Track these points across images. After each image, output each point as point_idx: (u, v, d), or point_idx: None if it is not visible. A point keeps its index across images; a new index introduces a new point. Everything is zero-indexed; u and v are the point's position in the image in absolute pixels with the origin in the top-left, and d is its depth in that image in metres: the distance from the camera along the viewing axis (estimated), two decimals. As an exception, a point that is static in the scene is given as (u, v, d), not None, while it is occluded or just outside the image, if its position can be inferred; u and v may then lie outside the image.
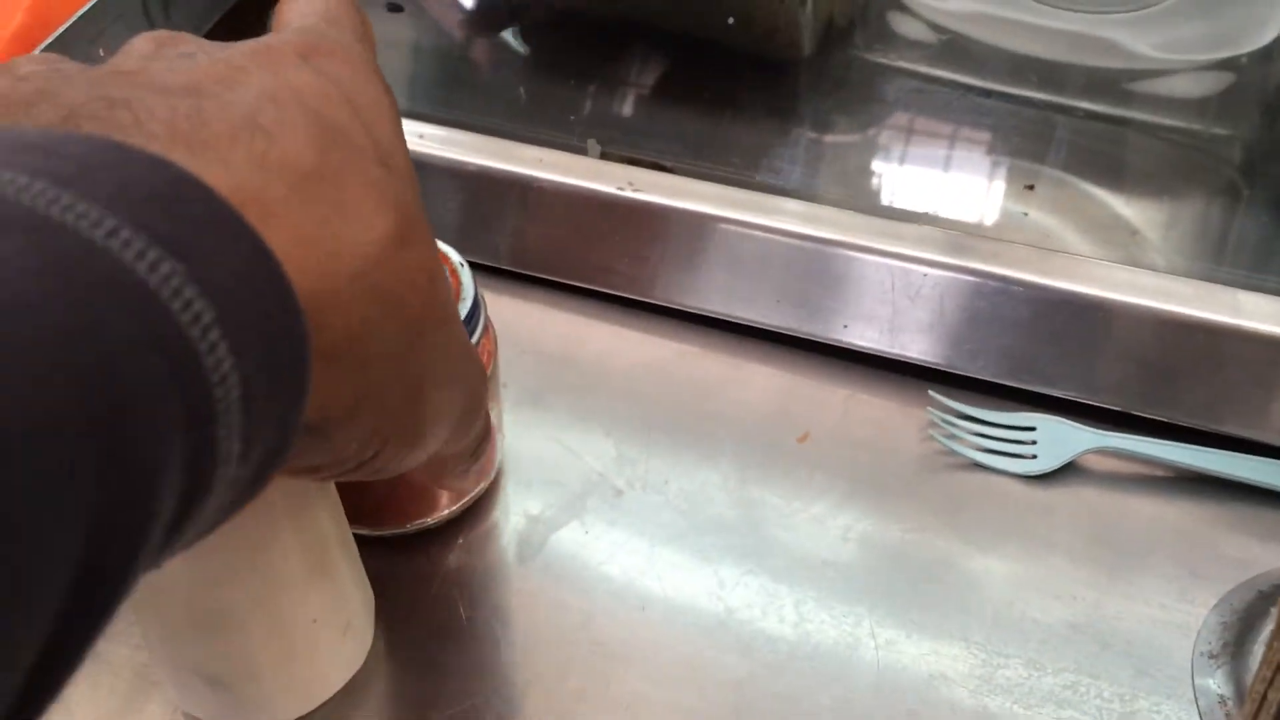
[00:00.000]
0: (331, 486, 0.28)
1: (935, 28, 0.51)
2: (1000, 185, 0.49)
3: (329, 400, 0.18)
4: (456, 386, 0.22)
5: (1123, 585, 0.35)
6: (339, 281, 0.18)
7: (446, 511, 0.34)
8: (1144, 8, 0.49)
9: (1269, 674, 0.22)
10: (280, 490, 0.25)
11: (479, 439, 0.26)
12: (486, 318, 0.32)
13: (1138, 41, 0.48)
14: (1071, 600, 0.34)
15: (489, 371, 0.33)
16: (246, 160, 0.17)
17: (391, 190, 0.19)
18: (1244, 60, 0.49)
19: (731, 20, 0.46)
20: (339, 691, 0.31)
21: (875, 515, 0.36)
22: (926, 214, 0.47)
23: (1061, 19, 0.49)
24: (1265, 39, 0.48)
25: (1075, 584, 0.35)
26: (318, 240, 0.17)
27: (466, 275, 0.32)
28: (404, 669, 0.32)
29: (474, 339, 0.31)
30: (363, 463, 0.20)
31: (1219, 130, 0.50)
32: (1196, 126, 0.50)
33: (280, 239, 0.16)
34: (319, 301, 0.17)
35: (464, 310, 0.31)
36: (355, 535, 0.30)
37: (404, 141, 0.21)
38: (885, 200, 0.48)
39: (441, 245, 0.32)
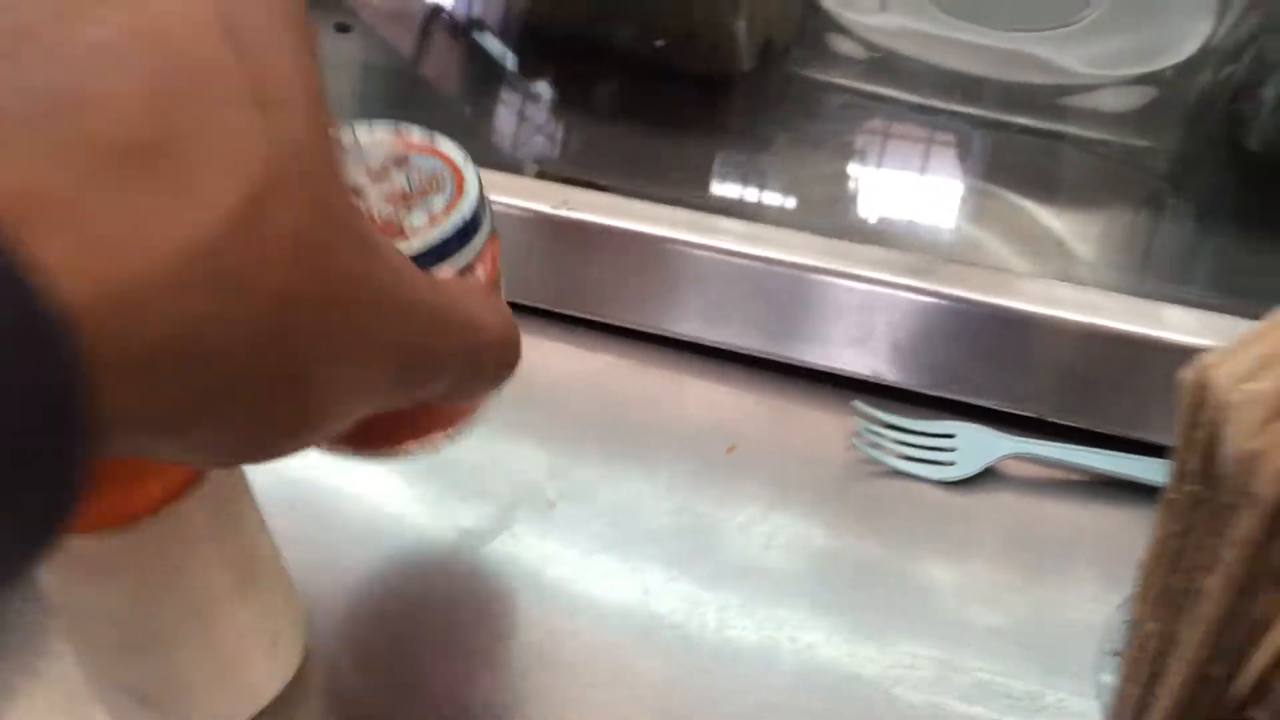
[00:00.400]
0: (252, 501, 0.28)
1: (869, 45, 0.53)
2: (931, 199, 0.50)
3: (159, 406, 0.16)
4: (377, 356, 0.19)
5: (1038, 587, 0.36)
6: (155, 276, 0.15)
7: (444, 435, 0.30)
8: (1064, 25, 0.50)
9: (1127, 669, 0.23)
10: (199, 508, 0.26)
11: (495, 366, 0.23)
12: (491, 226, 0.28)
13: (1064, 57, 0.50)
14: (987, 602, 0.35)
15: (494, 280, 0.28)
16: (41, 147, 0.15)
17: (261, 140, 0.16)
18: (1167, 74, 0.51)
19: (660, 42, 0.47)
20: (271, 704, 0.31)
21: (799, 523, 0.37)
22: (858, 228, 0.48)
23: (990, 36, 0.51)
24: (1186, 53, 0.49)
25: (992, 586, 0.36)
26: (126, 233, 0.15)
27: (471, 174, 0.27)
28: (338, 680, 0.33)
29: (468, 255, 0.26)
30: (239, 453, 0.18)
31: (1144, 143, 0.52)
32: (1122, 140, 0.52)
33: (66, 241, 0.14)
34: (125, 305, 0.15)
35: (459, 219, 0.26)
36: (345, 457, 0.28)
37: (304, 58, 0.17)
38: (819, 215, 0.49)
39: (443, 141, 0.29)
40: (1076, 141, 0.52)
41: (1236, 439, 0.18)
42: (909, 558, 0.36)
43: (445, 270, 0.26)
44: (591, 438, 0.39)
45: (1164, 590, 0.21)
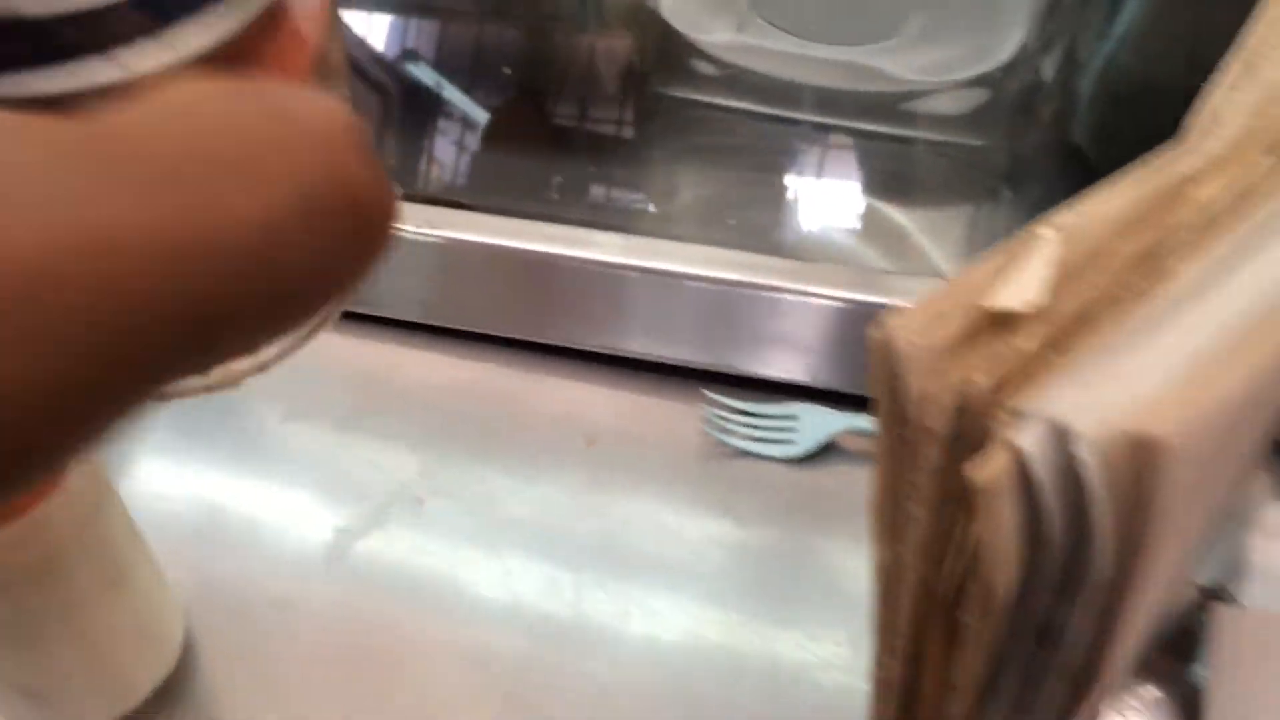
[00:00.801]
0: (117, 503, 0.31)
1: (723, 64, 0.56)
2: (782, 200, 0.54)
3: None
4: None
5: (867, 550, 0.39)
6: None
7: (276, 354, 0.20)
8: (888, 38, 0.54)
9: (876, 598, 0.26)
10: (62, 513, 0.28)
11: (328, 257, 0.11)
12: None
13: (895, 67, 0.54)
14: (823, 566, 0.39)
15: (311, 61, 0.16)
16: None
17: None
18: (993, 78, 0.55)
19: (507, 70, 0.50)
20: (154, 695, 0.34)
21: (653, 504, 0.40)
22: (724, 231, 0.52)
23: (828, 51, 0.55)
24: (1004, 57, 0.53)
25: (827, 551, 0.39)
26: None
27: None
28: (218, 673, 0.36)
29: (225, 14, 0.14)
30: None
31: (980, 143, 0.56)
32: (960, 140, 0.56)
33: None
34: None
35: None
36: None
37: None
38: (678, 221, 0.53)
39: None
40: (919, 144, 0.56)
41: (912, 385, 0.21)
42: (753, 529, 0.40)
43: (173, 45, 0.13)
44: (460, 439, 0.42)
45: (890, 523, 0.24)
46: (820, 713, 0.35)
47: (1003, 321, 0.21)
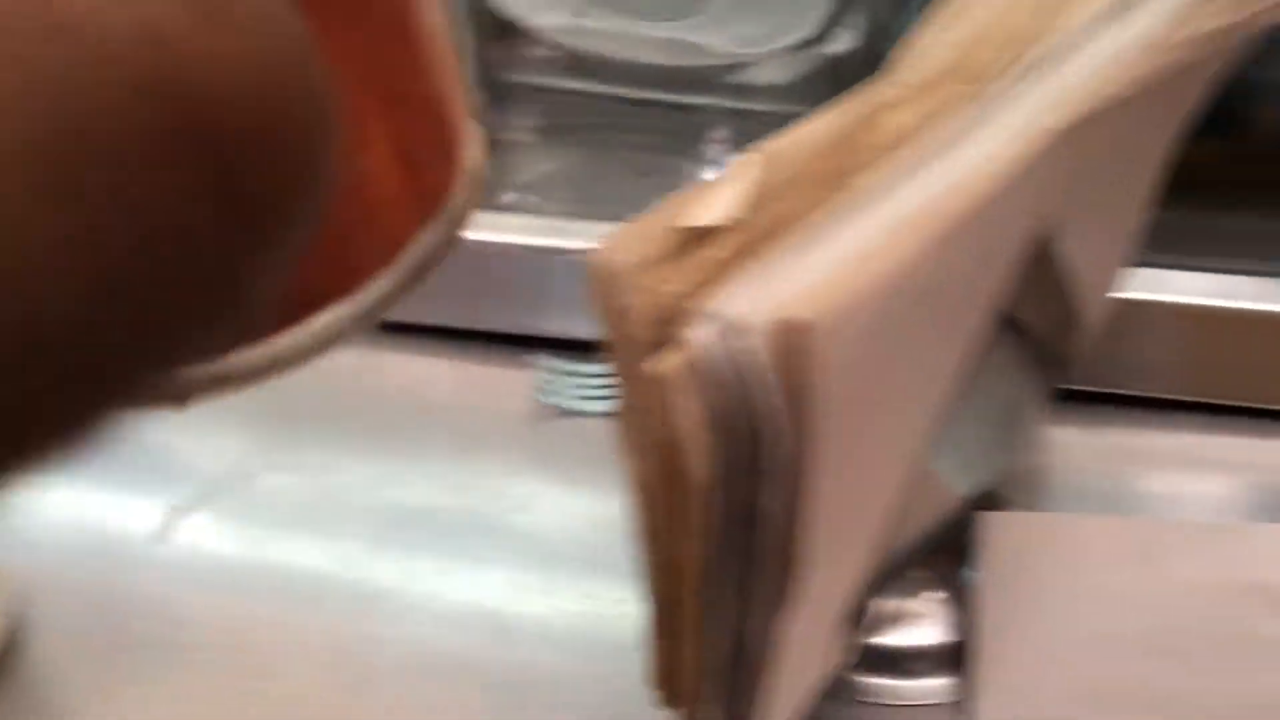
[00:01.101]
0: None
1: (556, 46, 0.58)
2: (625, 174, 0.56)
3: None
4: None
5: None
6: None
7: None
8: (699, 13, 0.57)
9: (637, 503, 0.28)
10: None
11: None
12: None
13: (714, 40, 0.56)
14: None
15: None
16: None
17: None
18: (811, 46, 0.57)
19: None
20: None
21: (485, 469, 0.42)
22: (558, 207, 0.54)
23: (650, 28, 0.57)
24: (810, 27, 0.56)
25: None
26: None
27: None
28: (49, 656, 0.36)
29: None
30: None
31: (807, 109, 0.58)
32: (788, 108, 0.58)
33: None
34: None
35: None
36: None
37: None
38: (525, 198, 0.55)
39: None
40: (752, 115, 0.58)
41: (621, 300, 0.23)
42: (581, 485, 0.41)
43: None
44: (295, 415, 0.43)
45: (632, 437, 0.26)
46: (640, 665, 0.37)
47: (700, 236, 0.23)
